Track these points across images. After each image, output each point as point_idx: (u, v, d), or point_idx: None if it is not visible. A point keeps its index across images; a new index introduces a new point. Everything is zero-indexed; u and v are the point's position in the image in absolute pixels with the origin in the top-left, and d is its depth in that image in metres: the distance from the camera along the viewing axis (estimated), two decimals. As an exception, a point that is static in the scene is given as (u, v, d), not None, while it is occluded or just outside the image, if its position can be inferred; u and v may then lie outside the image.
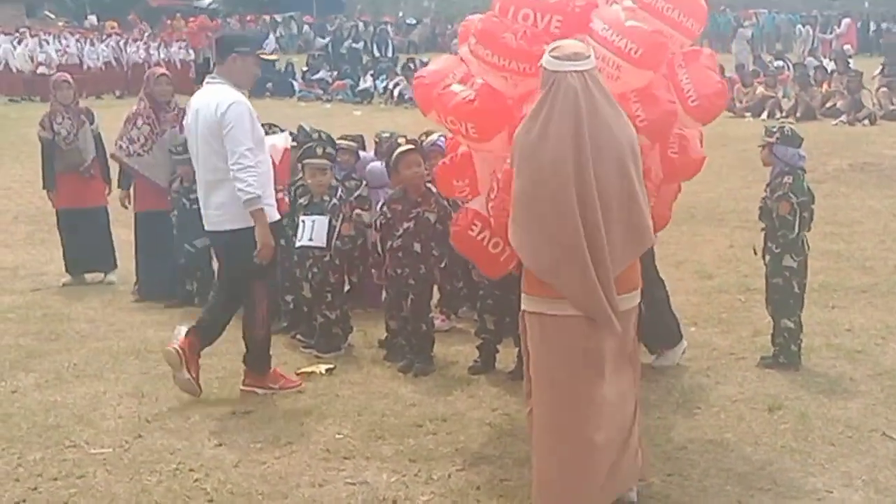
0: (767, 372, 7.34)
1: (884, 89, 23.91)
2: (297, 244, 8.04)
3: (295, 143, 8.60)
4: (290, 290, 8.45)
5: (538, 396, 5.18)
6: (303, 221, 8.03)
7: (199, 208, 9.37)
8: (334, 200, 8.08)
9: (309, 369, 7.60)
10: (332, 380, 7.44)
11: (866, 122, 22.34)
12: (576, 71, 4.95)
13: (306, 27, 47.95)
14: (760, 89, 24.85)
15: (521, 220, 5.05)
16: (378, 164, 8.90)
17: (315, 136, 8.81)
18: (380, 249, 7.88)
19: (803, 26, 42.99)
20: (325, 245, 7.97)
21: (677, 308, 7.71)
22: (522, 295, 5.25)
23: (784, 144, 7.23)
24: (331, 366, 7.65)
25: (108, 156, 10.29)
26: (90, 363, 7.93)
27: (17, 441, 6.40)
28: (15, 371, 7.77)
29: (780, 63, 30.07)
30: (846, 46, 35.30)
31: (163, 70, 10.74)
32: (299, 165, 8.31)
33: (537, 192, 4.95)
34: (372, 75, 31.15)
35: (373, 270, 8.30)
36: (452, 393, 7.14)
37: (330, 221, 7.99)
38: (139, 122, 9.73)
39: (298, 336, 8.32)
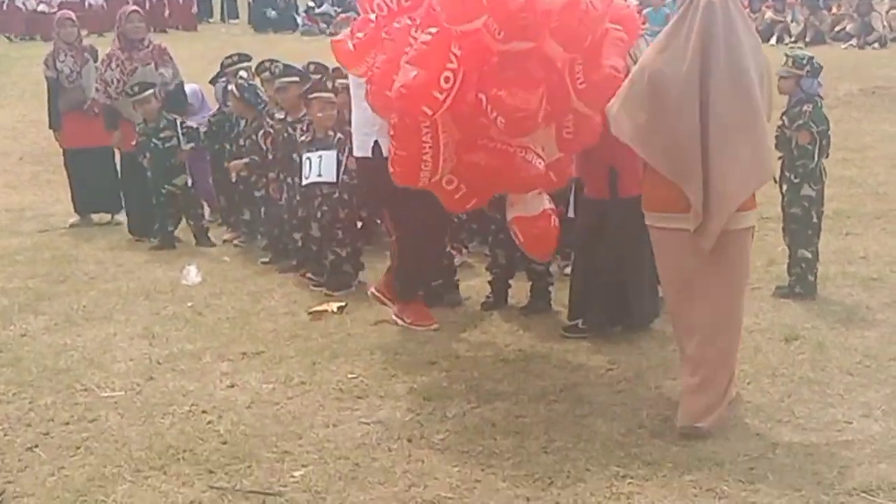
0: (783, 302, 7.27)
1: (894, 11, 23.59)
2: (305, 181, 7.94)
3: (298, 79, 8.45)
4: (298, 229, 8.35)
5: (664, 290, 5.77)
6: (308, 158, 7.92)
7: (171, 146, 9.33)
8: (339, 135, 7.95)
9: (320, 308, 7.53)
10: (344, 318, 7.38)
11: (876, 45, 22.09)
12: None
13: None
14: (769, 14, 24.53)
15: (651, 129, 5.29)
16: None
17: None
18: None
19: (811, -52, 42.41)
20: (335, 180, 7.87)
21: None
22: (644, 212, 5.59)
23: (813, 77, 7.12)
24: (342, 304, 7.58)
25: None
26: (99, 305, 7.88)
27: (28, 385, 6.35)
28: (24, 314, 7.71)
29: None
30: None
31: (133, 7, 10.66)
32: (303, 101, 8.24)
33: (668, 107, 5.18)
34: (376, 7, 30.79)
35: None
36: (465, 330, 7.08)
37: (337, 156, 7.88)
38: (112, 63, 9.75)
39: (308, 275, 8.23)
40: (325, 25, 30.03)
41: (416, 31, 5.92)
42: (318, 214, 7.98)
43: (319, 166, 7.87)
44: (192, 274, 8.49)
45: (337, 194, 7.91)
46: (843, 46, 22.10)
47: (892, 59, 20.25)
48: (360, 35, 6.37)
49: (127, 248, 9.60)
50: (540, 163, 6.11)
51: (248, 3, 34.25)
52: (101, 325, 7.42)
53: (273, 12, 32.13)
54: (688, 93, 5.13)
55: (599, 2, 5.84)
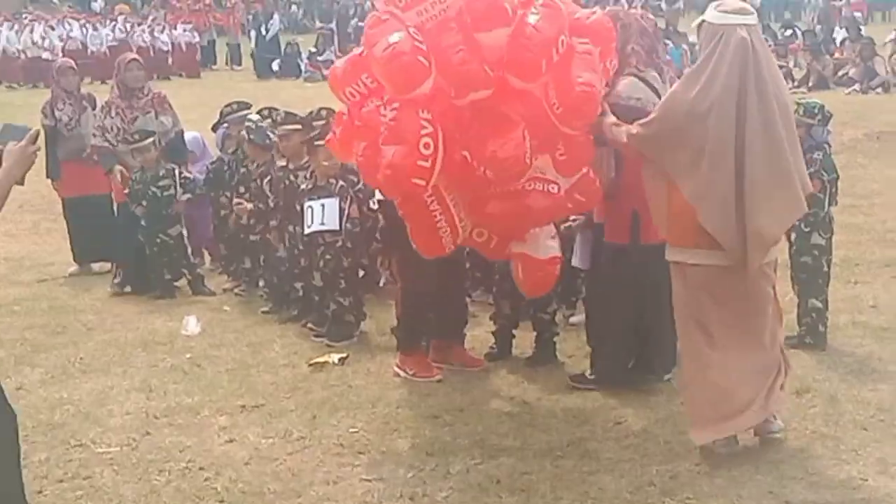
0: (793, 353, 7.06)
1: (897, 56, 23.67)
2: (308, 230, 7.82)
3: (300, 127, 8.36)
4: (300, 278, 8.23)
5: (682, 332, 5.65)
6: (310, 207, 7.81)
7: (169, 196, 9.21)
8: (341, 182, 7.86)
9: (321, 359, 7.39)
10: (345, 370, 7.24)
11: (879, 90, 22.09)
12: (744, 24, 5.17)
13: (294, 7, 47.60)
14: (772, 59, 24.58)
15: (695, 175, 5.26)
16: None
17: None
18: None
19: (812, -7, 42.65)
20: (338, 228, 7.76)
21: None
22: (667, 246, 5.58)
23: (823, 125, 7.06)
24: (343, 355, 7.44)
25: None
26: (97, 357, 7.74)
27: (22, 441, 6.17)
28: (20, 366, 7.57)
29: (790, 32, 29.78)
30: (857, 13, 34.93)
31: (133, 55, 10.58)
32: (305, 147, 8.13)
33: (700, 147, 5.20)
34: (378, 54, 30.85)
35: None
36: (469, 382, 6.92)
37: (339, 203, 7.78)
38: (112, 111, 9.65)
39: (310, 324, 8.11)
40: (327, 71, 30.15)
41: (384, 110, 5.83)
42: (321, 263, 7.85)
43: (322, 214, 7.77)
44: (192, 324, 8.35)
45: (340, 243, 7.79)
46: (846, 91, 22.12)
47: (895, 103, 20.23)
48: (337, 130, 6.40)
49: (126, 297, 9.47)
50: (555, 188, 6.00)
51: (251, 51, 34.45)
52: (97, 378, 7.27)
53: (276, 62, 32.41)
54: (723, 132, 5.14)
55: (546, 23, 5.62)
